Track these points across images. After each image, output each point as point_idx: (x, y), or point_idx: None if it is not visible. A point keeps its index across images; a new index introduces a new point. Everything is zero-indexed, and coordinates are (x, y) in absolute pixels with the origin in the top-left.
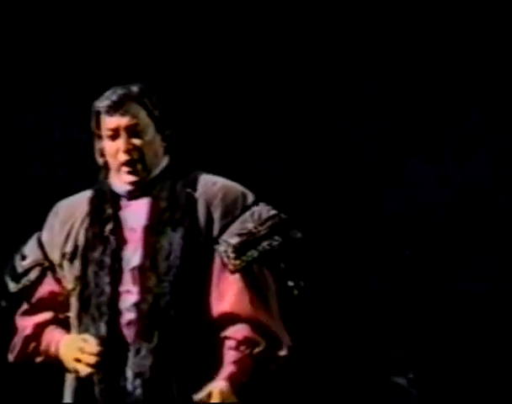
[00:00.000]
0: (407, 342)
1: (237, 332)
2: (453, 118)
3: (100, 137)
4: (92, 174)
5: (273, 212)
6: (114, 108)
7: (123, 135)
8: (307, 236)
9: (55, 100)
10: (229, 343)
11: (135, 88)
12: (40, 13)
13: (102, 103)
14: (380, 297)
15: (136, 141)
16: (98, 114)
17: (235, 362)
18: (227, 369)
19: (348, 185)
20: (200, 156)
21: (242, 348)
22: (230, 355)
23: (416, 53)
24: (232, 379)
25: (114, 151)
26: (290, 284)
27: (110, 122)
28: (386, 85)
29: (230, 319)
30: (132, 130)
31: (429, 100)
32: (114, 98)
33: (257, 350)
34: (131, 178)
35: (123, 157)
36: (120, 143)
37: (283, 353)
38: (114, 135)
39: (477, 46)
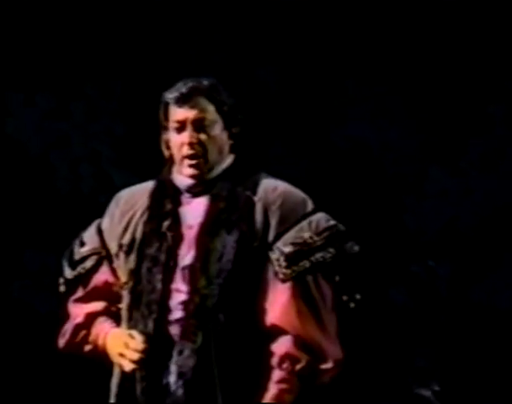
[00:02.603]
0: (431, 353)
1: (280, 346)
2: (476, 129)
3: (167, 129)
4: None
5: (331, 223)
6: (182, 100)
7: (189, 128)
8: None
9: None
10: (272, 359)
11: (205, 82)
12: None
13: (171, 95)
14: (403, 308)
15: (201, 136)
16: (166, 105)
17: (279, 382)
18: (272, 390)
19: (370, 197)
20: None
21: (284, 365)
22: (274, 374)
23: (440, 64)
24: (277, 401)
25: (179, 143)
26: (345, 297)
27: (178, 114)
28: (410, 96)
29: (276, 331)
30: (198, 124)
31: (451, 111)
32: (184, 90)
33: (299, 367)
34: (192, 172)
35: (186, 151)
36: (185, 136)
37: (327, 366)
38: (181, 127)
39: (503, 58)
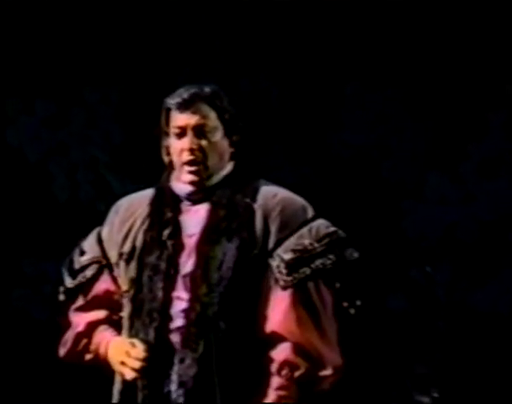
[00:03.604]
0: (430, 360)
1: (280, 353)
2: (475, 135)
3: (167, 135)
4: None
5: (331, 229)
6: (184, 106)
7: (190, 134)
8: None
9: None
10: (272, 366)
11: (207, 89)
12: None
13: (173, 100)
14: (402, 314)
15: (202, 142)
16: (168, 110)
17: (278, 388)
18: (271, 397)
19: (369, 203)
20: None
21: (283, 372)
22: (273, 381)
23: (439, 70)
24: None
25: (179, 149)
26: (345, 304)
27: (179, 119)
28: (409, 102)
29: (275, 338)
30: (199, 131)
31: (451, 117)
32: (186, 96)
33: (298, 374)
34: (192, 178)
35: (186, 156)
36: (186, 142)
37: (326, 372)
38: (182, 133)
39: (502, 65)
